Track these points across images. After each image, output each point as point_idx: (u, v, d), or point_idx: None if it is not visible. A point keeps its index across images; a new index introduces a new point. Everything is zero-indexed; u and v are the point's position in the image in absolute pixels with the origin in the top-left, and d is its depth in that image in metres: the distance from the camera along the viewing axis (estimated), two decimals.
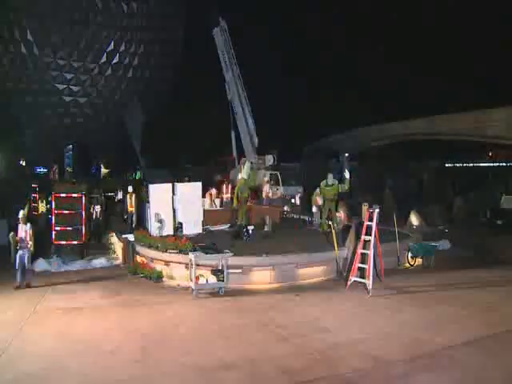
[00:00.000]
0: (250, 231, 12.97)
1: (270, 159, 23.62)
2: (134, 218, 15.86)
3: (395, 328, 7.46)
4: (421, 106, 38.38)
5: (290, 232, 14.07)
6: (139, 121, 40.54)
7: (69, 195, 13.92)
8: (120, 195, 21.72)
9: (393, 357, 6.22)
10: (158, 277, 10.87)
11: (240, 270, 10.23)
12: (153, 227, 12.75)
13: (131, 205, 15.97)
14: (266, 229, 13.91)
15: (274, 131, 38.89)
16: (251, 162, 20.18)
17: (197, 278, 9.51)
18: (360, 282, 9.65)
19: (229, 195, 17.89)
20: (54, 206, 13.94)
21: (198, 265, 9.69)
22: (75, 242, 13.63)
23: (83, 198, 14.05)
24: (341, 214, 13.93)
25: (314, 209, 14.10)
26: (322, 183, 13.38)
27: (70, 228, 13.69)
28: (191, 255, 9.70)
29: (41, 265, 12.41)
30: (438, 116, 33.18)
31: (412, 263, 12.32)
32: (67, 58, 38.72)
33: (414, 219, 18.11)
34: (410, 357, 6.19)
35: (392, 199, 21.23)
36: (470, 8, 44.12)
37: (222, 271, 9.67)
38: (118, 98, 42.37)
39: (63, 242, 13.65)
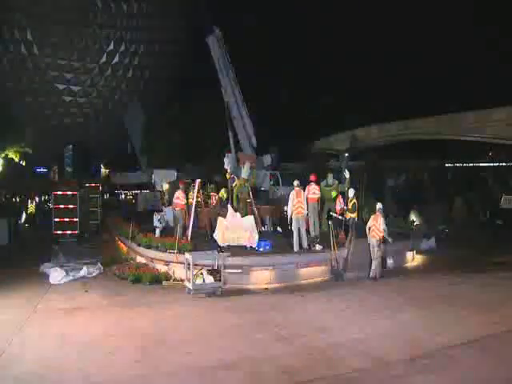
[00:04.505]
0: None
1: (267, 159, 23.53)
2: None
3: (395, 328, 7.46)
4: (421, 106, 38.37)
5: (291, 232, 14.05)
6: (139, 121, 40.55)
7: (64, 193, 15.85)
8: None
9: (393, 357, 6.22)
10: (155, 280, 10.80)
11: (240, 270, 10.23)
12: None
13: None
14: (265, 229, 13.91)
15: (274, 131, 38.86)
16: (251, 163, 20.11)
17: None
18: (359, 282, 9.66)
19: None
20: (53, 202, 16.53)
21: (195, 265, 9.67)
22: (70, 232, 15.84)
23: (78, 195, 16.35)
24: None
25: None
26: (322, 183, 13.38)
27: (66, 219, 15.89)
28: (187, 255, 9.69)
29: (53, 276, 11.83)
30: (437, 116, 33.20)
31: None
32: (67, 58, 38.75)
33: (414, 219, 18.09)
34: (410, 357, 6.20)
35: (392, 199, 21.24)
36: (469, 7, 44.13)
37: (218, 271, 9.65)
38: (118, 98, 42.42)
39: (60, 232, 15.78)
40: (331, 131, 40.92)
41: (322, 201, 13.53)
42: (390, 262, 11.72)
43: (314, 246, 11.28)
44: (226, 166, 16.62)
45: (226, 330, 7.52)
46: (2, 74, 37.97)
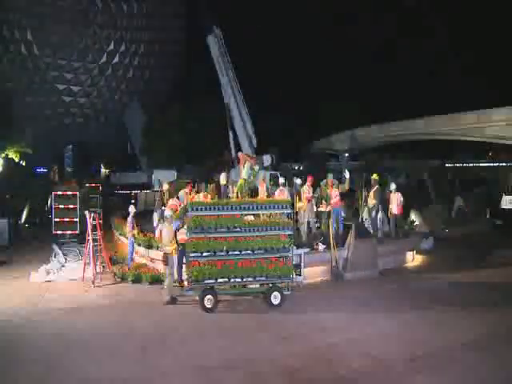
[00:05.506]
0: None
1: (267, 159, 23.40)
2: None
3: (395, 328, 7.46)
4: (421, 106, 38.43)
5: None
6: (139, 121, 40.58)
7: (64, 193, 15.90)
8: None
9: (393, 357, 6.22)
10: (155, 280, 10.76)
11: None
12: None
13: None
14: None
15: (275, 131, 38.88)
16: (252, 163, 20.08)
17: None
18: (360, 282, 9.66)
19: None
20: (53, 202, 15.82)
21: None
22: (70, 232, 15.27)
23: (77, 195, 15.98)
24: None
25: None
26: (322, 183, 13.36)
27: (66, 219, 15.47)
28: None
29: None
30: (437, 116, 33.22)
31: None
32: (67, 58, 38.80)
33: (414, 219, 18.08)
34: (410, 357, 6.19)
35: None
36: (469, 8, 44.21)
37: None
38: (118, 98, 42.48)
39: (60, 232, 15.35)
40: (331, 131, 40.94)
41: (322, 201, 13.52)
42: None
43: (317, 245, 11.25)
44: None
45: (226, 329, 7.52)
46: (2, 74, 38.00)
